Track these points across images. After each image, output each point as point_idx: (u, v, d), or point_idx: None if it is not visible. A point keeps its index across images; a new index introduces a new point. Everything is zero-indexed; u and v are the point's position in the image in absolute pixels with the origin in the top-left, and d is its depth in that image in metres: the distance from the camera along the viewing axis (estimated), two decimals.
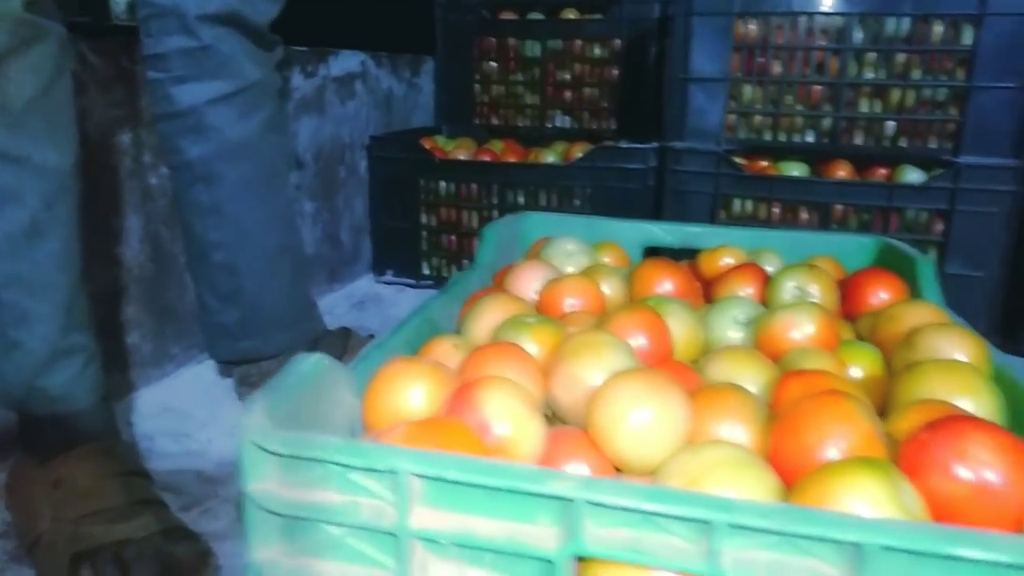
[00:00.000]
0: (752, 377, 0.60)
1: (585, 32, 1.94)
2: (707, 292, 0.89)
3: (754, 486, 0.41)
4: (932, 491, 0.42)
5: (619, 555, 0.36)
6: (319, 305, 1.17)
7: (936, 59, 1.49)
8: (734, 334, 0.71)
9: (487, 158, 1.82)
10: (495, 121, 2.07)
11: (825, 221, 1.58)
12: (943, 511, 0.42)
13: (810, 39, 1.54)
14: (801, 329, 0.66)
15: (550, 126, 2.03)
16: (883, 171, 1.60)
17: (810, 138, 1.61)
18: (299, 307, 1.08)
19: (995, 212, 1.50)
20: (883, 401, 0.61)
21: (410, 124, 2.07)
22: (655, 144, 1.68)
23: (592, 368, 0.54)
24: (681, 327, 0.68)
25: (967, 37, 1.45)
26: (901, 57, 1.51)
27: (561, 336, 0.62)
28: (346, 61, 1.75)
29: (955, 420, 0.44)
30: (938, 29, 1.47)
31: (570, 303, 0.72)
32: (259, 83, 0.97)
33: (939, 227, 1.53)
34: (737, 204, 1.62)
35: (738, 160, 1.62)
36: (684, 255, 1.00)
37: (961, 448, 0.42)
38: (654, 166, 1.68)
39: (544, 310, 0.73)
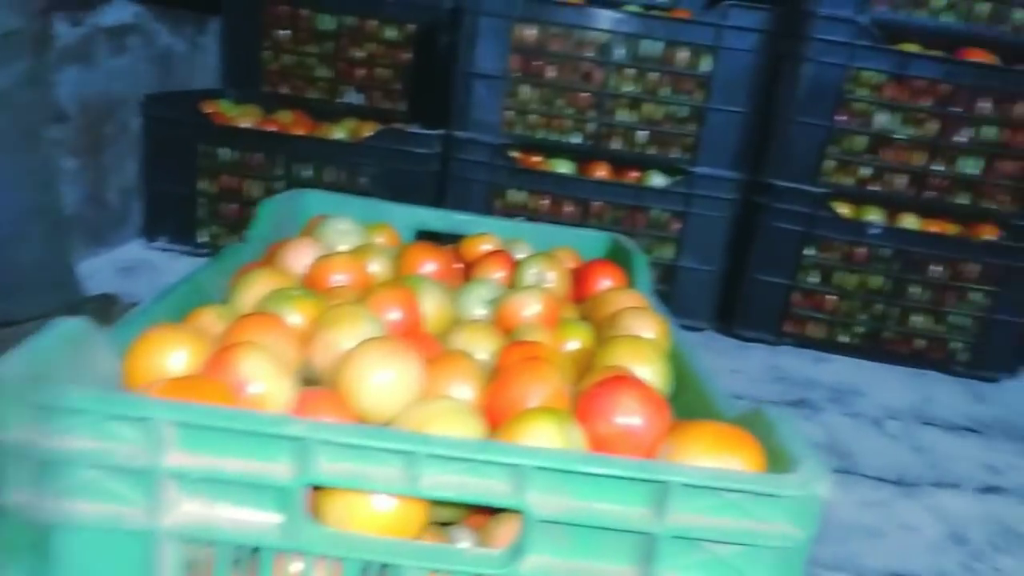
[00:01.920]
0: (485, 347, 0.71)
1: (380, 12, 1.98)
2: (467, 273, 1.00)
3: (462, 429, 0.52)
4: (596, 432, 0.55)
5: (343, 483, 0.45)
6: (80, 270, 1.13)
7: (681, 81, 1.72)
8: (479, 311, 0.82)
9: (274, 128, 1.81)
10: (284, 90, 2.05)
11: (585, 214, 1.77)
12: (603, 446, 0.55)
13: (580, 50, 1.72)
14: (530, 308, 0.78)
15: (341, 101, 2.05)
16: (635, 174, 1.83)
17: (577, 139, 1.79)
18: (55, 270, 1.05)
19: (720, 216, 1.78)
20: (586, 366, 0.75)
21: (191, 85, 1.99)
22: (442, 131, 1.78)
23: (343, 336, 0.62)
24: (434, 304, 0.78)
25: (706, 64, 1.70)
26: (654, 75, 1.73)
27: (322, 308, 0.69)
28: (119, 11, 1.65)
29: (615, 379, 0.57)
30: (683, 55, 1.70)
31: (336, 279, 0.79)
32: (16, 32, 0.93)
33: (677, 226, 1.78)
34: (512, 194, 1.77)
35: (514, 154, 1.77)
36: (453, 239, 1.11)
37: (616, 400, 0.55)
38: (439, 152, 1.78)
39: (311, 284, 0.79)
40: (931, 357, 1.79)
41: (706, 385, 0.66)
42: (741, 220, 1.79)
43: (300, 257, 0.83)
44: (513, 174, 1.75)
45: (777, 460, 0.49)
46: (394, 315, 0.71)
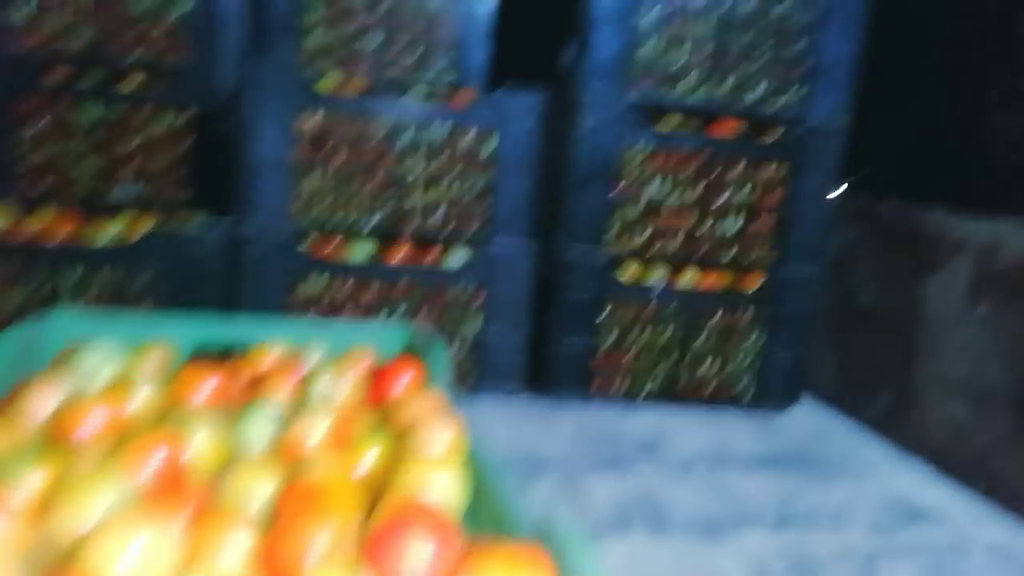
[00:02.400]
0: (263, 489, 0.65)
1: (152, 99, 1.85)
2: (252, 390, 0.93)
3: None
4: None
5: None
6: None
7: (470, 161, 1.77)
8: (259, 441, 0.76)
9: (33, 230, 1.62)
10: (45, 187, 1.84)
11: (389, 297, 1.75)
12: None
13: (367, 137, 1.71)
14: (316, 433, 0.74)
15: (113, 194, 1.88)
16: (438, 250, 1.83)
17: (374, 221, 1.77)
18: None
19: (521, 286, 1.82)
20: (381, 486, 0.72)
21: None
22: (226, 224, 1.69)
23: (82, 509, 0.54)
24: (206, 441, 0.71)
25: (491, 145, 1.76)
26: (443, 158, 1.76)
27: (64, 470, 0.61)
28: None
29: (401, 521, 0.55)
30: (469, 138, 1.75)
31: (84, 429, 0.70)
32: None
33: (480, 300, 1.81)
34: (310, 284, 1.71)
35: (309, 243, 1.71)
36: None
37: (402, 543, 0.52)
38: (224, 247, 1.68)
39: (54, 438, 0.69)
40: (722, 398, 1.93)
41: (501, 495, 0.65)
42: (541, 287, 1.85)
43: (41, 404, 0.73)
44: (308, 264, 1.70)
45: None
46: (152, 468, 0.63)
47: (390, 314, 1.76)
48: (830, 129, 1.81)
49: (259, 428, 0.77)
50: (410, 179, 1.76)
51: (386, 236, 1.80)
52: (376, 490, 0.70)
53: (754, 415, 1.94)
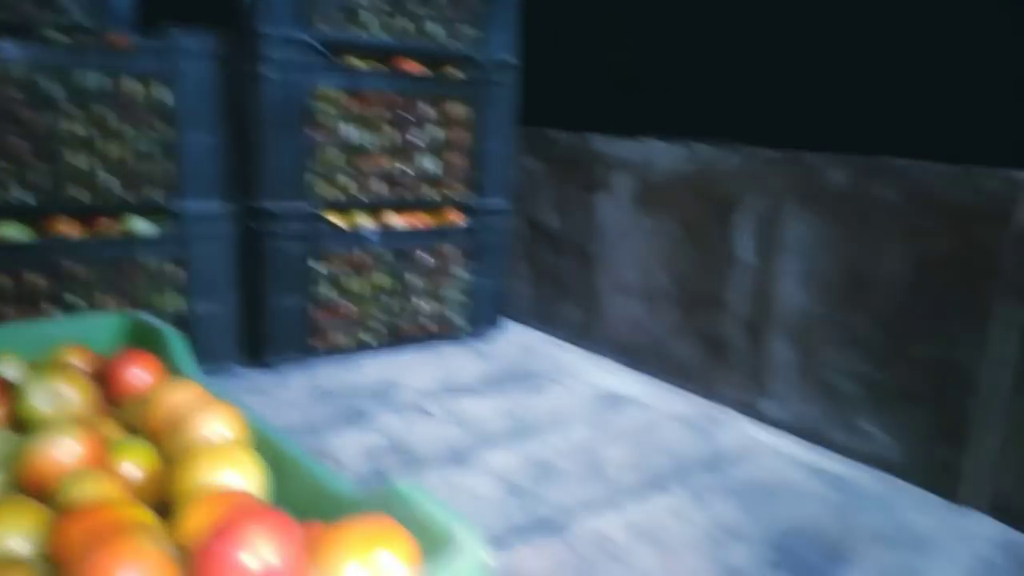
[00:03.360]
0: (19, 530, 0.54)
1: None
2: None
3: None
4: None
5: None
6: None
7: (138, 114, 1.54)
8: None
9: None
10: None
11: (63, 284, 1.48)
12: None
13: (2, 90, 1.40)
14: (67, 453, 0.62)
15: None
16: (109, 223, 1.59)
17: (26, 197, 1.47)
18: None
19: (222, 250, 1.68)
20: (162, 491, 0.63)
21: None
22: None
23: None
24: None
25: (163, 94, 1.55)
26: (102, 111, 1.51)
27: None
28: None
29: (235, 520, 0.49)
30: (133, 86, 1.53)
31: None
32: None
33: (181, 272, 1.62)
34: None
35: None
36: None
37: (246, 545, 0.48)
38: None
39: None
40: (441, 334, 2.02)
41: (312, 470, 0.62)
42: (246, 249, 1.73)
43: None
44: None
45: (428, 535, 0.48)
46: None
47: (72, 305, 1.50)
48: (505, 67, 1.93)
49: None
50: (62, 139, 1.48)
51: (42, 212, 1.51)
52: (156, 500, 0.62)
53: (469, 345, 2.06)
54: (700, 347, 1.79)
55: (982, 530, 1.27)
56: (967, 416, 1.33)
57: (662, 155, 1.82)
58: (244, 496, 0.56)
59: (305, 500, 0.61)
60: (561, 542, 1.17)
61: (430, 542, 0.49)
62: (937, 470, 1.37)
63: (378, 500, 0.54)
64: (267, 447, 0.68)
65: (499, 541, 1.16)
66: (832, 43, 1.89)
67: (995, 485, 1.31)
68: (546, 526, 1.21)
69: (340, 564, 0.48)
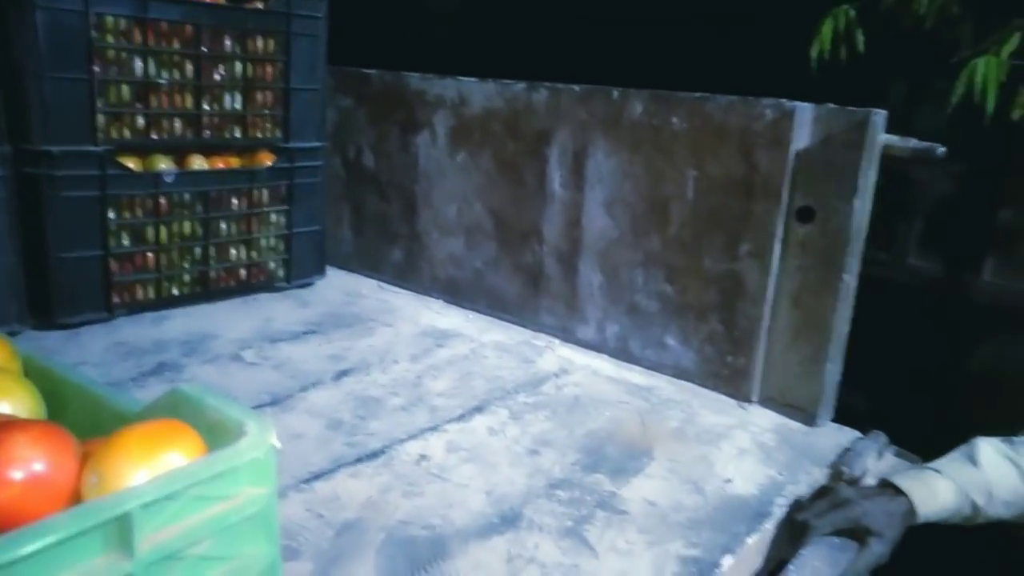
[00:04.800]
0: None
1: None
2: None
3: None
4: None
5: None
6: None
7: None
8: None
9: None
10: None
11: None
12: (9, 513, 0.44)
13: None
14: None
15: None
16: None
17: None
18: None
19: None
20: None
21: None
22: None
23: None
24: None
25: None
26: None
27: None
28: None
29: None
30: None
31: None
32: None
33: None
34: None
35: None
36: None
37: (7, 455, 0.44)
38: None
39: None
40: (257, 282, 1.94)
41: (93, 390, 0.58)
42: (23, 198, 1.55)
43: None
44: None
45: (218, 431, 0.47)
46: None
47: None
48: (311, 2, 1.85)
49: None
50: None
51: None
52: None
53: (289, 294, 2.00)
54: (519, 279, 1.85)
55: (761, 420, 1.44)
56: (752, 325, 1.48)
57: (476, 92, 1.84)
58: (6, 416, 0.52)
59: (89, 422, 0.58)
60: (384, 467, 1.18)
61: (220, 436, 0.48)
62: (727, 374, 1.53)
63: (164, 407, 0.53)
64: (42, 375, 0.63)
65: (321, 474, 1.15)
66: None
67: (773, 383, 1.48)
68: (369, 455, 1.22)
69: (123, 466, 0.46)
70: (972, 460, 1.09)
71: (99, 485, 0.45)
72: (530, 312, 1.84)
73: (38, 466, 0.45)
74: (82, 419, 0.59)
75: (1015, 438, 1.11)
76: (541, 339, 1.79)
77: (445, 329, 1.81)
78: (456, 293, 1.99)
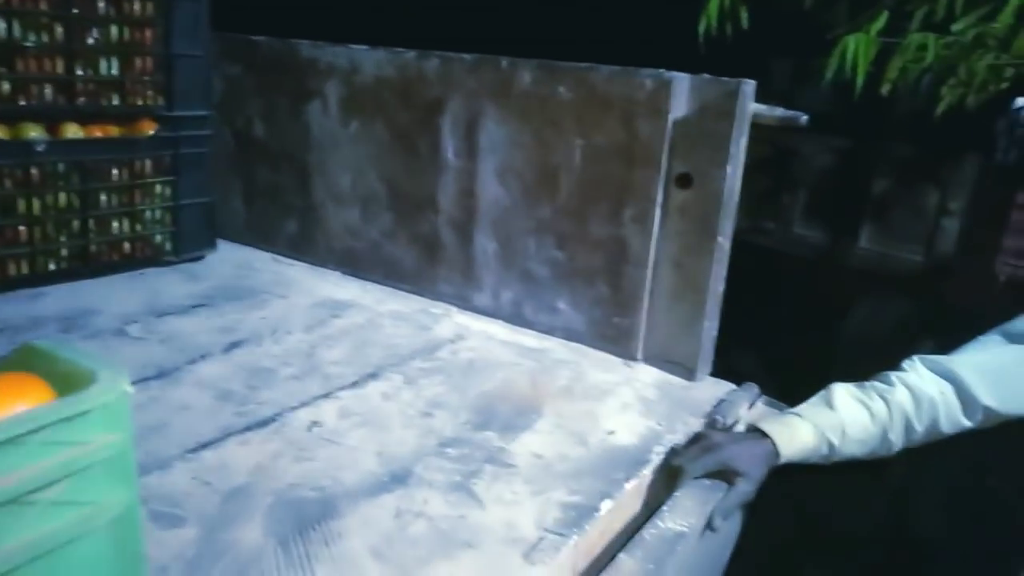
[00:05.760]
0: None
1: None
2: None
3: None
4: None
5: None
6: None
7: None
8: None
9: None
10: None
11: None
12: None
13: None
14: None
15: None
16: None
17: None
18: None
19: None
20: None
21: None
22: None
23: None
24: None
25: None
26: None
27: None
28: None
29: None
30: None
31: None
32: None
33: None
34: None
35: None
36: None
37: None
38: None
39: None
40: (142, 256, 1.87)
41: None
42: None
43: None
44: None
45: (71, 382, 0.47)
46: None
47: None
48: None
49: None
50: None
51: None
52: None
53: (178, 268, 1.94)
54: (415, 248, 1.86)
55: (644, 377, 1.51)
56: (636, 288, 1.55)
57: (367, 60, 1.82)
58: None
59: None
60: (274, 434, 1.18)
61: (73, 387, 0.48)
62: (614, 335, 1.59)
63: (16, 363, 0.52)
64: None
65: (209, 443, 1.14)
66: None
67: (656, 341, 1.56)
68: (259, 423, 1.21)
69: None
70: (829, 404, 1.18)
71: None
72: (427, 281, 1.85)
73: None
74: None
75: (866, 383, 1.21)
76: (438, 307, 1.81)
77: (341, 300, 1.81)
78: (353, 264, 1.98)
